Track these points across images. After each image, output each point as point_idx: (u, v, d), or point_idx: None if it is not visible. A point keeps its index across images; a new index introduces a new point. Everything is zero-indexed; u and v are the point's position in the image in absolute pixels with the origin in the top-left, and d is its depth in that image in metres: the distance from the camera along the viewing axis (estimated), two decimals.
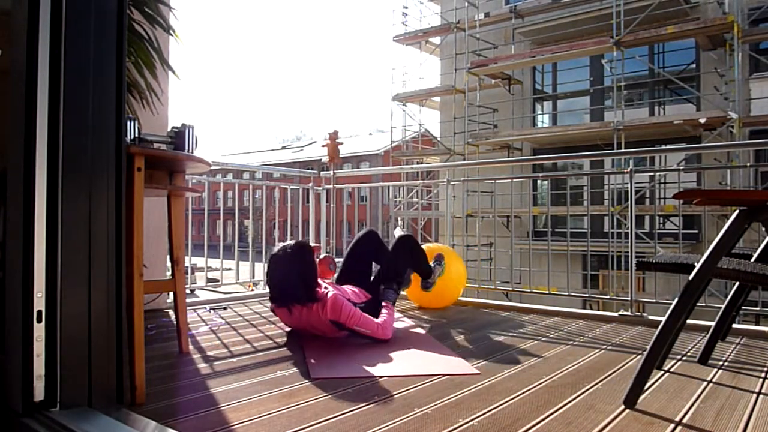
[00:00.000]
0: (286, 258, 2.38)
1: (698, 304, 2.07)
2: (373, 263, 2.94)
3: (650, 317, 2.82)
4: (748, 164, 8.35)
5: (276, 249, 2.46)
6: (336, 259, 3.15)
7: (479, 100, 12.10)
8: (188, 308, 2.87)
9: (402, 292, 3.03)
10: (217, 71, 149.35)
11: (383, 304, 2.54)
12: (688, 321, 2.16)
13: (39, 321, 1.28)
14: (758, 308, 2.77)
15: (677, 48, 10.82)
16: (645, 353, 1.54)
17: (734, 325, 2.41)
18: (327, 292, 2.33)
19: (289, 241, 2.48)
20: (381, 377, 1.83)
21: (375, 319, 2.35)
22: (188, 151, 1.91)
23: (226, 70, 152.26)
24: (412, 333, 2.60)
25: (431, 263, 3.07)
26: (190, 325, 2.61)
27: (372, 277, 2.85)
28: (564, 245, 3.63)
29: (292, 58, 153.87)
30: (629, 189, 3.12)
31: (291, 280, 2.34)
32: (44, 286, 1.28)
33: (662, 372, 1.88)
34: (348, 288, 2.67)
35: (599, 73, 11.62)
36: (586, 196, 10.02)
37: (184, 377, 1.84)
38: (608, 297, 3.56)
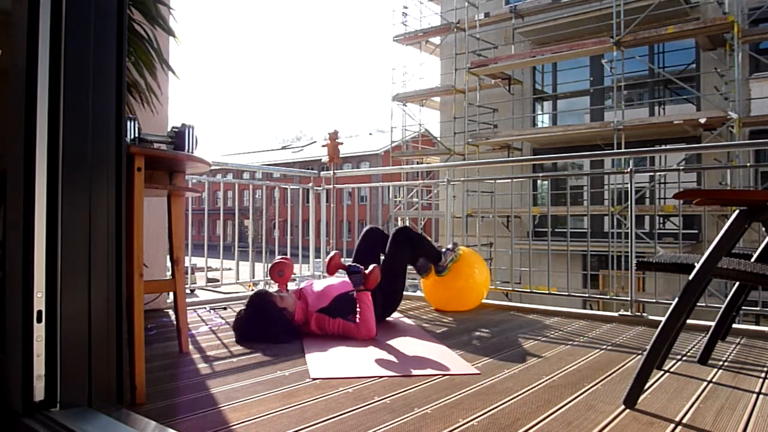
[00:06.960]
0: (250, 318, 2.40)
1: (698, 304, 2.07)
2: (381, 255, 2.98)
3: (650, 317, 2.82)
4: (748, 164, 8.35)
5: (238, 312, 2.48)
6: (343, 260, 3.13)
7: (479, 100, 12.09)
8: (188, 308, 2.87)
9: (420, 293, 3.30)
10: (217, 71, 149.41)
11: (356, 298, 2.47)
12: (688, 321, 2.16)
13: (39, 321, 1.28)
14: (758, 308, 2.77)
15: (677, 48, 10.81)
16: (645, 353, 1.54)
17: (734, 325, 2.41)
18: (312, 315, 2.45)
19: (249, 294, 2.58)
20: (381, 377, 1.83)
21: (354, 323, 2.41)
22: (188, 151, 1.91)
23: (226, 70, 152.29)
24: (412, 333, 2.60)
25: (444, 249, 3.14)
26: (190, 325, 2.61)
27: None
28: (564, 245, 3.62)
29: (292, 58, 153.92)
30: (629, 189, 3.12)
31: (266, 333, 2.35)
32: (44, 286, 1.28)
33: (662, 372, 1.88)
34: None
35: (599, 73, 11.61)
36: (586, 196, 10.02)
37: (184, 377, 1.84)
38: (608, 297, 3.56)
